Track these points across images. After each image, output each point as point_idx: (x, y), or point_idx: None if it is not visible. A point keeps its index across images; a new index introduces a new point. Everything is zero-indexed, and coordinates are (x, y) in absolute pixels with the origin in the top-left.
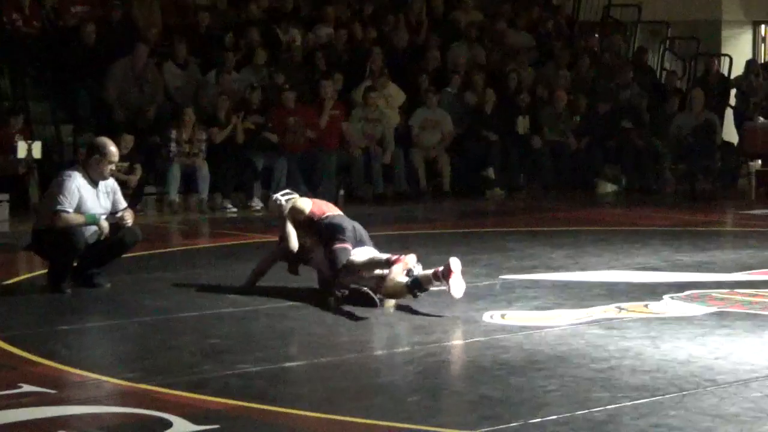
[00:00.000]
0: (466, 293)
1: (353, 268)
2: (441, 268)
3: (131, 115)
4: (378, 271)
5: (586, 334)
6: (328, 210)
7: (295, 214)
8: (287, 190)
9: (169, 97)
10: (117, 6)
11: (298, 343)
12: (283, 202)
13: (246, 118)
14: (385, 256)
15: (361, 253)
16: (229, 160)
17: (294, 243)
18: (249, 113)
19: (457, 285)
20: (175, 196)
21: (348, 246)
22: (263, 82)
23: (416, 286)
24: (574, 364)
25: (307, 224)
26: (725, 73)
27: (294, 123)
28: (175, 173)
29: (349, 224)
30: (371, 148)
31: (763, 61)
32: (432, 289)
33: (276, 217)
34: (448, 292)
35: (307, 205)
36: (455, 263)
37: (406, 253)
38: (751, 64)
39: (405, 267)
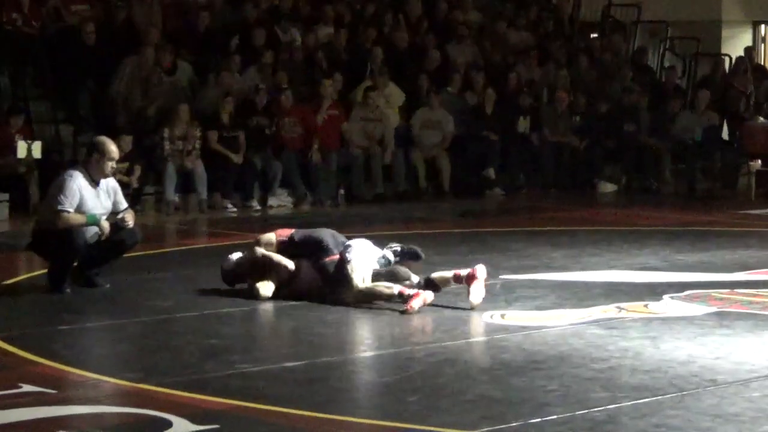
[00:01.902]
0: (465, 293)
1: (352, 292)
2: (464, 272)
3: (132, 116)
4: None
5: (586, 334)
6: (291, 228)
7: (266, 246)
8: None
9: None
10: (118, 6)
11: (298, 343)
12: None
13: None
14: (396, 289)
15: (361, 271)
16: (228, 159)
17: (289, 263)
18: (254, 114)
19: (478, 292)
20: (173, 196)
21: (335, 257)
22: (267, 83)
23: (430, 286)
24: (574, 364)
25: (281, 249)
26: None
27: (289, 123)
28: (171, 173)
29: (324, 233)
30: (371, 148)
31: (762, 62)
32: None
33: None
34: (467, 297)
35: (270, 235)
36: (481, 270)
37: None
38: (740, 62)
39: (424, 302)
